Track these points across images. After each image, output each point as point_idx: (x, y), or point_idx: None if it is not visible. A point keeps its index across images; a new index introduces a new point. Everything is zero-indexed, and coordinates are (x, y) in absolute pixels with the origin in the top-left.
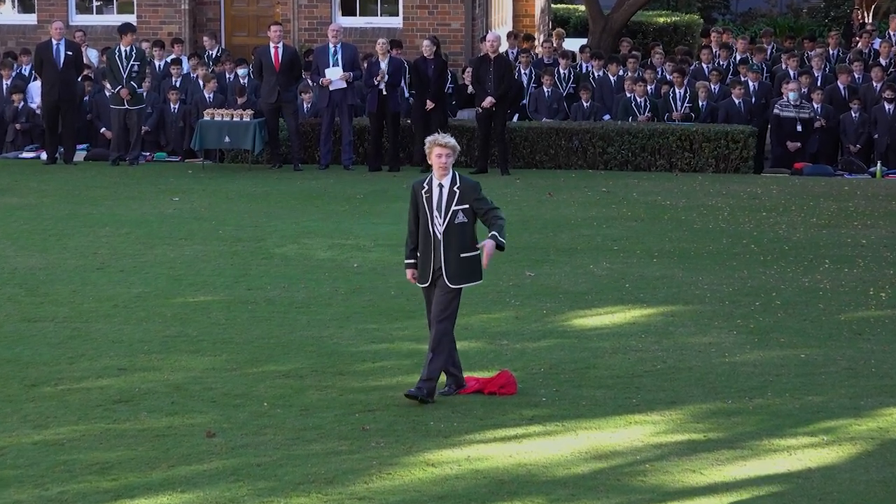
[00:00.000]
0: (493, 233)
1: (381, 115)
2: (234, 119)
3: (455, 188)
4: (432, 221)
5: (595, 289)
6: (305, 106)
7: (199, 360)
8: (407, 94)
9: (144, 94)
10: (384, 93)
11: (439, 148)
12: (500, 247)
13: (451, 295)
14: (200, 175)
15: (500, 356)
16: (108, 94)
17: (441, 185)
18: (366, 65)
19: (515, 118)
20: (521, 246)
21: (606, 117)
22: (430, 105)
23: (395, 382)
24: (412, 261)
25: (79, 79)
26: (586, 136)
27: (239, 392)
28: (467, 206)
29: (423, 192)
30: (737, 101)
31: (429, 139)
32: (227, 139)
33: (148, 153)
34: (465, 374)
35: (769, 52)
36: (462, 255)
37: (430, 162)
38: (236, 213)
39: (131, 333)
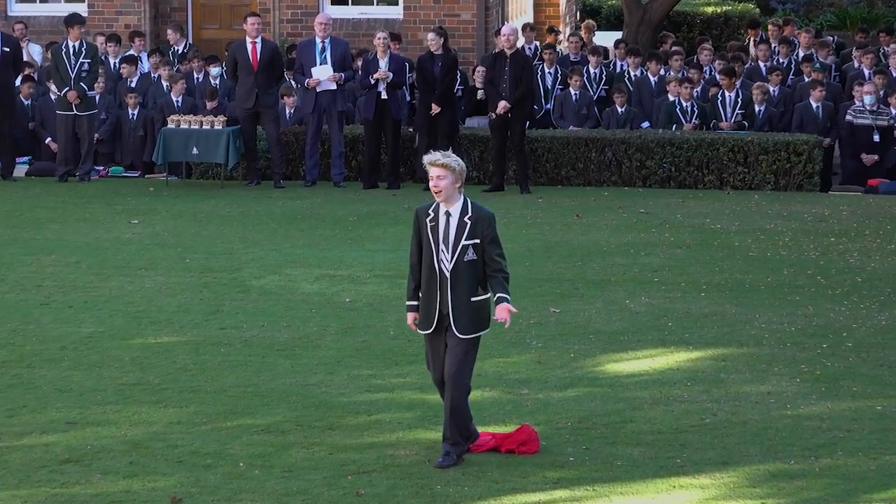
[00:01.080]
0: (501, 295)
1: (379, 122)
2: (204, 127)
3: (466, 219)
4: (437, 256)
5: (632, 328)
6: (288, 112)
7: (163, 412)
8: (409, 98)
9: (97, 97)
10: (383, 96)
11: (436, 168)
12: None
13: (465, 346)
14: (164, 193)
15: (520, 408)
16: (53, 97)
17: (449, 214)
18: (360, 62)
19: (475, 122)
20: (545, 277)
21: (645, 125)
22: (435, 109)
23: (394, 439)
24: (415, 302)
25: (17, 80)
26: (621, 147)
27: (210, 450)
28: (478, 241)
29: (427, 220)
30: (814, 105)
31: (425, 159)
32: (195, 151)
33: (102, 167)
34: (480, 429)
35: (833, 45)
36: (472, 300)
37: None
38: (207, 239)
39: (82, 381)
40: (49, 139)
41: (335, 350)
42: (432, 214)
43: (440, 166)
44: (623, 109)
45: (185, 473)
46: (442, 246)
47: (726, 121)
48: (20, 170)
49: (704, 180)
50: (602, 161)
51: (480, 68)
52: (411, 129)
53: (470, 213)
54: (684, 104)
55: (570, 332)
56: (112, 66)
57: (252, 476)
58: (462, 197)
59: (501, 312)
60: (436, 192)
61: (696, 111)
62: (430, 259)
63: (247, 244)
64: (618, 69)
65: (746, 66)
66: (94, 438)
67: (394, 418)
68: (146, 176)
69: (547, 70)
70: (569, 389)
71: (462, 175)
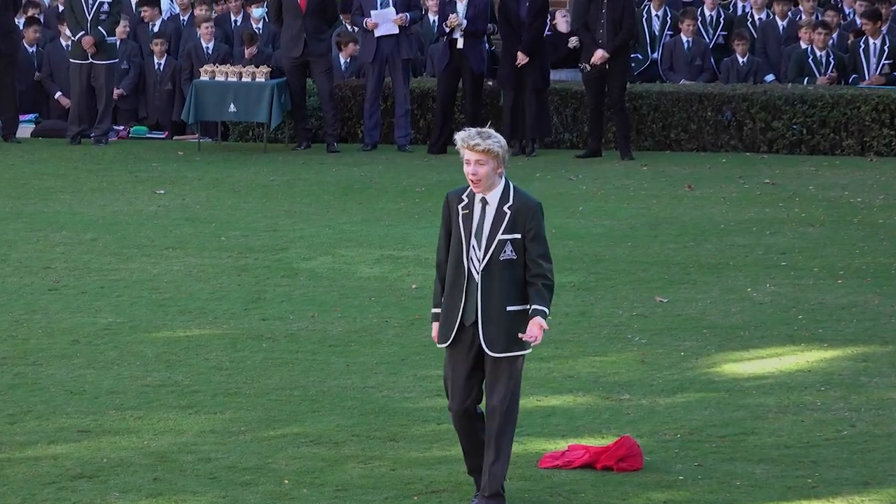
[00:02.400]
0: (537, 307)
1: (455, 74)
2: (243, 80)
3: (506, 208)
4: (468, 253)
5: (754, 322)
6: (343, 62)
7: (193, 419)
8: (489, 48)
9: (117, 43)
10: (459, 45)
11: (474, 153)
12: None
13: (509, 370)
14: (195, 159)
15: (619, 416)
16: (65, 43)
17: (485, 202)
18: (432, 2)
19: (563, 75)
20: (650, 260)
21: (769, 78)
22: (522, 59)
23: None
24: (439, 310)
25: (19, 22)
26: (742, 104)
27: (249, 465)
28: (518, 236)
29: (459, 207)
30: None
31: (459, 137)
32: (232, 108)
33: (122, 127)
34: (572, 442)
35: None
36: (509, 309)
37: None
38: (246, 213)
39: (97, 381)
40: (59, 93)
41: (399, 346)
42: (466, 201)
43: (481, 152)
44: (745, 60)
45: (219, 492)
46: (473, 241)
47: (869, 73)
48: (24, 129)
49: (843, 145)
50: (719, 122)
51: (565, 11)
52: (491, 84)
53: (511, 202)
54: (818, 53)
55: (679, 326)
56: (133, 7)
57: (299, 496)
58: (503, 181)
59: (532, 328)
60: (474, 182)
61: (833, 62)
62: (459, 256)
63: (294, 219)
64: (739, 12)
65: (895, 7)
66: (111, 450)
67: None
68: (174, 138)
69: (654, 12)
70: (678, 394)
71: (506, 158)
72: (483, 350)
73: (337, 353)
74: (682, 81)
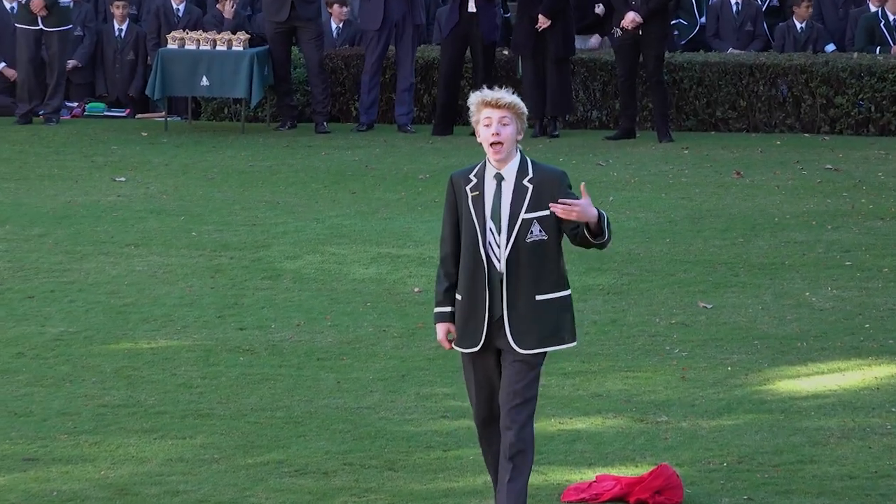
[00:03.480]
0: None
1: (462, 41)
2: (218, 48)
3: (526, 182)
4: (484, 241)
5: (813, 331)
6: (335, 27)
7: (159, 445)
8: (504, 14)
9: (70, 5)
10: (471, 8)
11: (490, 110)
12: (595, 233)
13: (528, 369)
14: (162, 141)
15: (657, 441)
16: (9, 5)
17: (500, 178)
18: None
19: (591, 42)
20: (691, 259)
21: (830, 48)
22: (543, 23)
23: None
24: (447, 309)
25: None
26: (800, 77)
27: (224, 498)
28: (548, 212)
29: (468, 188)
30: None
31: (475, 98)
32: (205, 82)
33: (76, 104)
34: (600, 472)
35: None
36: (539, 298)
37: (478, 138)
38: (221, 204)
39: (46, 401)
40: (3, 65)
41: (399, 360)
42: (475, 181)
43: (505, 107)
44: (803, 25)
45: None
46: (490, 224)
47: None
48: None
49: None
50: (773, 97)
51: None
52: (507, 52)
53: (531, 174)
54: (891, 18)
55: (726, 337)
56: None
57: None
58: (518, 153)
59: (577, 201)
60: (495, 147)
61: None
62: (474, 245)
63: (276, 212)
64: None
65: None
66: (62, 481)
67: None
68: (137, 116)
69: None
70: (724, 416)
71: (525, 124)
72: (510, 347)
73: (326, 367)
74: (729, 51)
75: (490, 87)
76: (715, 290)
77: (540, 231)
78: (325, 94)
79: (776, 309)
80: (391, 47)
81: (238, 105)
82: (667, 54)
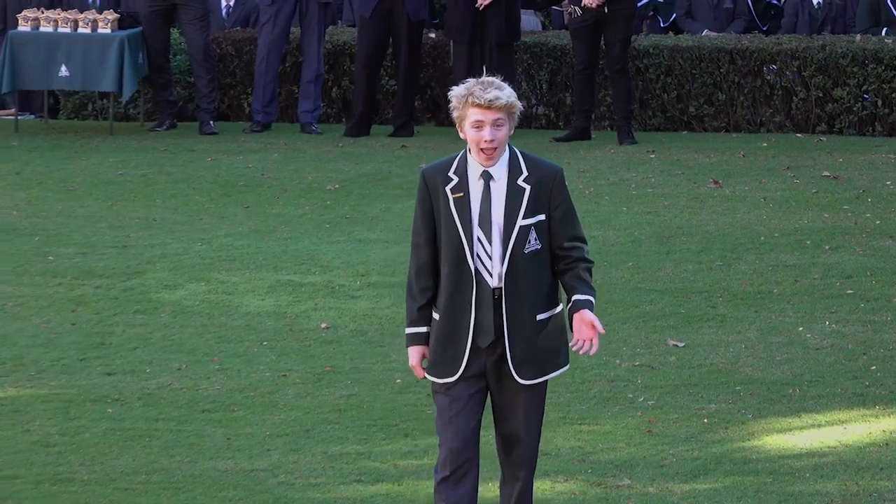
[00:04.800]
0: (582, 297)
1: (384, 23)
2: (81, 31)
3: (521, 182)
4: (471, 250)
5: (808, 374)
6: (224, 6)
7: None
8: None
9: None
10: None
11: (481, 111)
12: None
13: (536, 401)
14: (12, 144)
15: None
16: None
17: (489, 177)
18: None
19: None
20: (658, 287)
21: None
22: (483, 1)
23: None
24: (421, 329)
25: None
26: (791, 64)
27: None
28: (544, 217)
29: (448, 189)
30: None
31: (458, 90)
32: (64, 72)
33: None
34: None
35: None
36: (540, 317)
37: (461, 134)
38: (84, 222)
39: None
40: None
41: (302, 412)
42: (456, 180)
43: (501, 108)
44: (821, 1)
45: None
46: (479, 232)
47: None
48: None
49: None
50: (758, 89)
51: None
52: (434, 35)
53: (525, 172)
54: None
55: (701, 382)
56: None
57: None
58: (507, 147)
59: (582, 330)
60: (487, 151)
61: None
62: (459, 257)
63: (152, 231)
64: None
65: None
66: None
67: None
68: None
69: None
70: (700, 479)
71: (515, 119)
72: (510, 377)
73: (214, 421)
74: (705, 32)
75: (415, 87)
76: (688, 325)
77: (536, 240)
78: (212, 86)
79: (763, 348)
80: (293, 29)
81: (105, 100)
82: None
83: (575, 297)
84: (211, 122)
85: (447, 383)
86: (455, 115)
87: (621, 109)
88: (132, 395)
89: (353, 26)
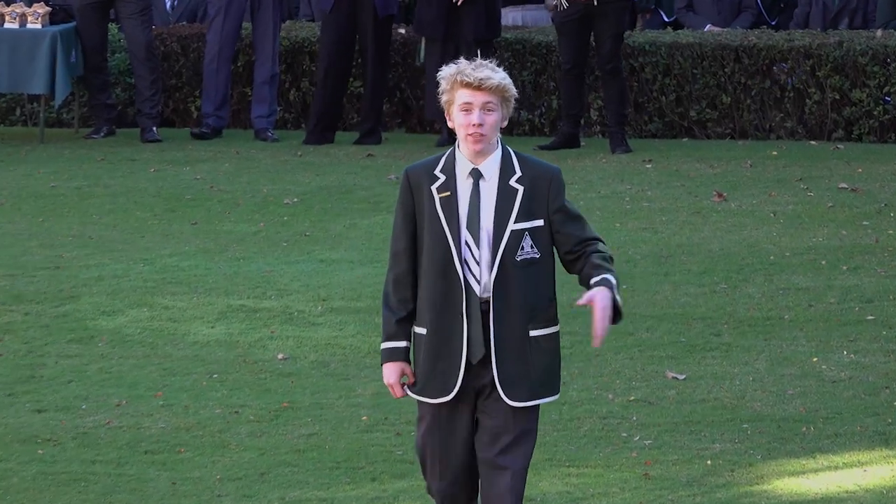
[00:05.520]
0: (604, 276)
1: (348, 18)
2: (7, 26)
3: (514, 182)
4: (458, 255)
5: (823, 410)
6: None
7: None
8: None
9: None
10: None
11: (470, 92)
12: (616, 308)
13: (523, 426)
14: None
15: None
16: None
17: (479, 175)
18: None
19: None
20: (656, 313)
21: (843, 25)
22: None
23: None
24: (401, 344)
25: None
26: (804, 63)
27: None
28: (541, 221)
29: (433, 189)
30: None
31: (447, 70)
32: None
33: None
34: None
35: None
36: (533, 334)
37: (449, 122)
38: (12, 240)
39: None
40: None
41: (256, 452)
42: (443, 178)
43: (491, 90)
44: None
45: None
46: (467, 236)
47: None
48: None
49: None
50: (767, 90)
51: None
52: (404, 32)
53: (518, 171)
54: None
55: (704, 419)
56: None
57: None
58: (499, 145)
59: (600, 300)
60: (475, 137)
61: None
62: (445, 263)
63: (88, 250)
64: None
65: None
66: None
67: None
68: None
69: None
70: None
71: (512, 108)
72: (499, 398)
73: (157, 463)
74: (707, 28)
75: (383, 89)
76: (689, 356)
77: (532, 247)
78: (155, 88)
79: (772, 380)
80: (246, 24)
81: (36, 104)
82: (626, 34)
83: (595, 278)
84: (154, 129)
85: (436, 404)
86: (444, 99)
87: (614, 114)
88: (66, 435)
89: (312, 20)
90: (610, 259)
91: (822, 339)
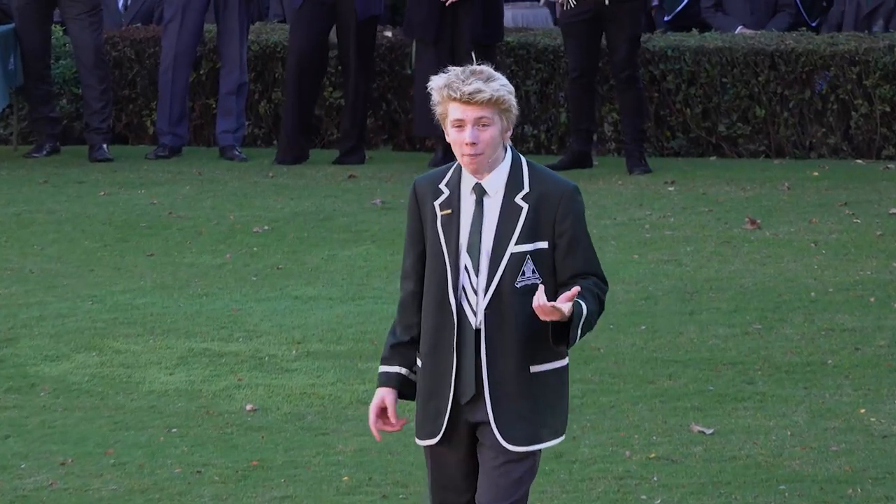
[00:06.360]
0: (578, 301)
1: (324, 19)
2: None
3: (520, 199)
4: (454, 280)
5: (872, 469)
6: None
7: None
8: None
9: None
10: None
11: (461, 107)
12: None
13: (519, 471)
14: None
15: None
16: None
17: (482, 191)
18: None
19: (521, 17)
20: (680, 357)
21: (877, 27)
22: None
23: None
24: (392, 369)
25: None
26: (850, 71)
27: None
28: (545, 244)
29: (437, 204)
30: None
31: (437, 80)
32: None
33: None
34: None
35: None
36: (534, 370)
37: (447, 136)
38: None
39: None
40: None
41: None
42: (446, 193)
43: (483, 104)
44: None
45: None
46: (466, 261)
47: None
48: None
49: None
50: (807, 102)
51: None
52: (391, 35)
53: (526, 187)
54: None
55: (735, 479)
56: None
57: None
58: (508, 154)
59: (562, 300)
60: (470, 157)
61: None
62: (440, 289)
63: (28, 285)
64: None
65: None
66: None
67: None
68: None
69: None
70: None
71: (515, 117)
72: (493, 439)
73: None
74: (739, 30)
75: (367, 98)
76: (718, 406)
77: (533, 272)
78: (105, 100)
79: (814, 435)
80: (208, 26)
81: None
82: (642, 38)
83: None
84: (104, 146)
85: (428, 446)
86: (437, 112)
87: (631, 129)
88: (2, 499)
89: (284, 21)
90: (598, 298)
91: (870, 387)
